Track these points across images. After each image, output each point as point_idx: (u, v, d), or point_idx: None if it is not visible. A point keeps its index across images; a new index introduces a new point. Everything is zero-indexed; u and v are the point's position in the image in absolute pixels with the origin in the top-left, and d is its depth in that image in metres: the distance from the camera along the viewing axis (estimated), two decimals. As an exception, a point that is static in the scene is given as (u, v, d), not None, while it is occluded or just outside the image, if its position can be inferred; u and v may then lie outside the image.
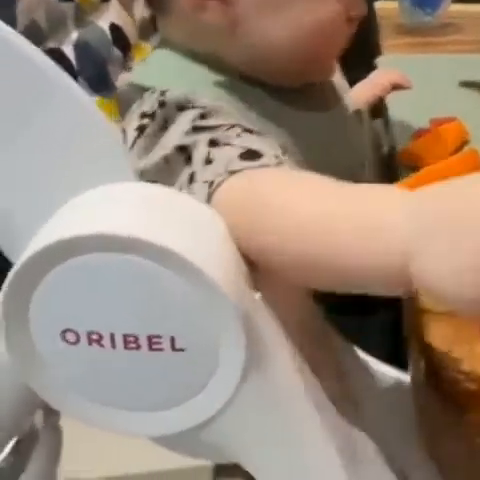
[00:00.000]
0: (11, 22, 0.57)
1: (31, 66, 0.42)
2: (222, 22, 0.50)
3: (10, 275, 0.36)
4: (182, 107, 0.46)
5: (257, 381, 0.37)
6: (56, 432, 0.74)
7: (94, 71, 0.62)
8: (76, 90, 0.43)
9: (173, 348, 0.36)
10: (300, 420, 0.40)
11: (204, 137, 0.43)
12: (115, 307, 0.36)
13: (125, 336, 0.37)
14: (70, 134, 0.42)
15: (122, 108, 0.55)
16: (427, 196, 0.31)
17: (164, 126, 0.46)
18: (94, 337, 0.37)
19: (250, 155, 0.41)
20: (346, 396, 0.49)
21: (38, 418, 0.70)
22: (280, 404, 0.39)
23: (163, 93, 0.48)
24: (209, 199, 0.40)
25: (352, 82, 0.78)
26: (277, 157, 0.42)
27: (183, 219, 0.37)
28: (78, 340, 0.37)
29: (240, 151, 0.41)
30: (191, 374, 0.37)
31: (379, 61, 0.92)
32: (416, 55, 0.95)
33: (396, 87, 0.80)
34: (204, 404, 0.38)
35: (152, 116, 0.47)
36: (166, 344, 0.36)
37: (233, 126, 0.44)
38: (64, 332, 0.37)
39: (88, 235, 0.34)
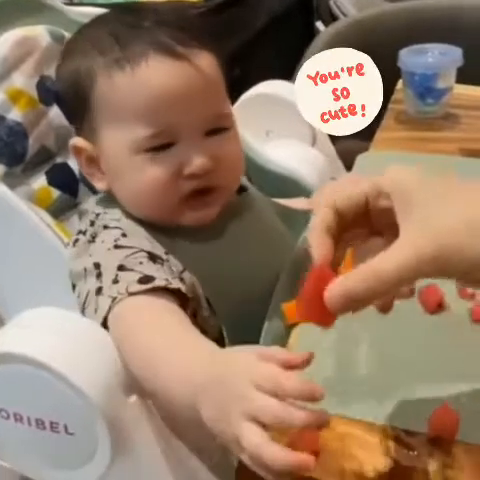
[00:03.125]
0: (23, 152, 0.75)
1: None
2: (104, 187, 0.67)
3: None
4: (107, 227, 0.63)
5: (123, 463, 0.53)
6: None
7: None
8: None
9: (66, 432, 0.53)
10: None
11: (116, 263, 0.59)
12: (29, 399, 0.53)
13: (36, 419, 0.53)
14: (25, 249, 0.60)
15: None
16: (212, 362, 0.46)
17: (92, 240, 0.63)
18: (17, 417, 0.54)
19: (145, 279, 0.57)
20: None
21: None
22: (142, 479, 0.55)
23: (97, 216, 0.65)
24: (109, 311, 0.56)
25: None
26: (166, 280, 0.58)
27: (76, 343, 0.53)
28: (8, 417, 0.54)
29: (139, 276, 0.58)
30: (80, 451, 0.54)
31: (358, 159, 1.00)
32: (400, 153, 1.01)
33: None
34: (90, 472, 0.54)
35: (84, 233, 0.65)
36: (62, 428, 0.53)
37: (141, 251, 0.61)
38: (0, 410, 0.54)
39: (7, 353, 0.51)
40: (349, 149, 1.15)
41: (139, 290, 0.56)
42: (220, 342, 0.65)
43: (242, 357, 0.44)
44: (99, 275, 0.59)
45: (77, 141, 0.66)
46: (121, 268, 0.59)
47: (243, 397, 0.41)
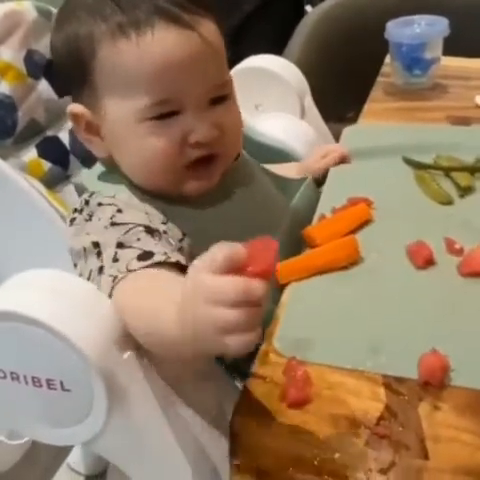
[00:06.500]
0: (13, 125, 0.76)
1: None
2: (103, 153, 0.66)
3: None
4: (101, 204, 0.63)
5: (119, 419, 0.54)
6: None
7: (85, 150, 0.78)
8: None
9: (62, 388, 0.54)
10: (153, 446, 0.56)
11: (114, 240, 0.59)
12: (25, 358, 0.54)
13: (33, 377, 0.54)
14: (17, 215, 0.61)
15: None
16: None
17: (89, 219, 0.63)
18: (14, 376, 0.55)
19: (145, 256, 0.57)
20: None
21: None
22: (139, 434, 0.56)
23: (91, 195, 0.65)
24: (112, 290, 0.56)
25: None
26: (165, 254, 0.58)
27: (72, 301, 0.54)
28: (5, 377, 0.55)
29: (138, 253, 0.57)
30: (76, 407, 0.54)
31: (345, 131, 1.00)
32: (388, 123, 1.02)
33: (343, 161, 0.89)
34: (86, 429, 0.55)
35: (81, 211, 0.64)
36: (58, 385, 0.53)
37: (138, 225, 0.60)
38: (-3, 370, 0.55)
39: (3, 312, 0.52)
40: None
41: (139, 267, 0.56)
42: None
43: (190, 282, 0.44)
44: (99, 254, 0.59)
45: (75, 107, 0.65)
46: (120, 246, 0.58)
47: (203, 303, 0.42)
